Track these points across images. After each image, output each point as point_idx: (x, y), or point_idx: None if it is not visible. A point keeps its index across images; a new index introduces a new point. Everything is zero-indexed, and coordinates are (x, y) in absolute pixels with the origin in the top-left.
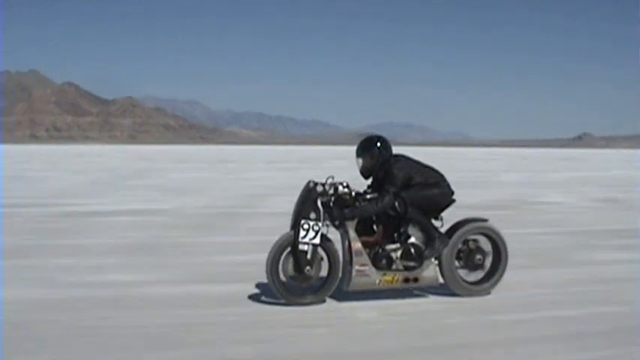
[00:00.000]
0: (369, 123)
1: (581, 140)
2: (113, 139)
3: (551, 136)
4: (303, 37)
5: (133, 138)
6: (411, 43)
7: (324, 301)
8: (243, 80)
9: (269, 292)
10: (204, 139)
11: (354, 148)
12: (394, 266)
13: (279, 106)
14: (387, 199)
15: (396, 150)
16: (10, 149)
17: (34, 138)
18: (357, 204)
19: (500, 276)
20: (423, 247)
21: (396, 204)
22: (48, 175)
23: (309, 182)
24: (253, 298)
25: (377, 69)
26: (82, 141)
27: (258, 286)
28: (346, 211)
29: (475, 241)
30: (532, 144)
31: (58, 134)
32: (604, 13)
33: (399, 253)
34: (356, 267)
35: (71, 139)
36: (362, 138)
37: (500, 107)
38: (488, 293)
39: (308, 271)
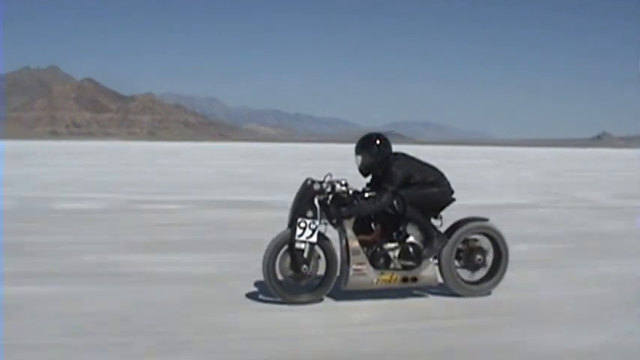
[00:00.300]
0: (386, 121)
1: (600, 140)
2: (132, 136)
3: (569, 135)
4: (321, 34)
5: (152, 134)
6: (430, 41)
7: (321, 300)
8: (260, 77)
9: (265, 291)
10: (223, 136)
11: None
12: (392, 265)
13: (296, 103)
14: (385, 197)
15: (414, 149)
16: (60, 146)
17: (55, 134)
18: (355, 202)
19: (501, 276)
20: (422, 247)
21: (395, 202)
22: (251, 172)
23: (306, 180)
24: (250, 296)
25: (395, 67)
26: (102, 137)
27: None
28: (343, 209)
29: (475, 240)
30: (551, 143)
31: (77, 130)
32: (624, 12)
33: (397, 252)
34: (353, 266)
35: (90, 135)
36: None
37: (518, 106)
38: (489, 293)
39: (305, 269)
